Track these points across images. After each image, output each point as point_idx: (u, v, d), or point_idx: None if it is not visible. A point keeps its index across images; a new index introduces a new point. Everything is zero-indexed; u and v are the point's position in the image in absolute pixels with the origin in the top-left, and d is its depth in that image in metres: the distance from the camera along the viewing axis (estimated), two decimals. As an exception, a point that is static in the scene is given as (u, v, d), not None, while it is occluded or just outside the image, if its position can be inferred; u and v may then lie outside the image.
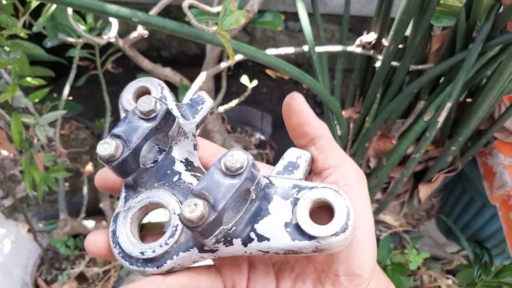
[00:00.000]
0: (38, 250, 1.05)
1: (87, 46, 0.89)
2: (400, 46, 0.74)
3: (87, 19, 0.82)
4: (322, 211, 0.26)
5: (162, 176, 0.29)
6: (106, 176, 0.30)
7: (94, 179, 0.31)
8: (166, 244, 0.26)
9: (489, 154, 0.86)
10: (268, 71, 1.54)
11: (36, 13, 0.67)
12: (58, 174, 0.88)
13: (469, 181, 0.93)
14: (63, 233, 0.98)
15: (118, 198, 0.31)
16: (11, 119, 0.76)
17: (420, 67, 0.75)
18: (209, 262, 0.29)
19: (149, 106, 0.27)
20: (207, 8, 0.53)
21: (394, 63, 0.75)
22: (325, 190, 0.25)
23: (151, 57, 1.44)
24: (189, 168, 0.29)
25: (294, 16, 0.80)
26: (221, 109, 0.85)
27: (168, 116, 0.28)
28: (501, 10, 0.63)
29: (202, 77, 0.77)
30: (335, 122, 0.81)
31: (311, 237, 0.24)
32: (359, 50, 0.79)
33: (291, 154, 0.29)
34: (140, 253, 0.26)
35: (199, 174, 0.29)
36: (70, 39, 0.79)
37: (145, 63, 0.86)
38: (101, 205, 1.04)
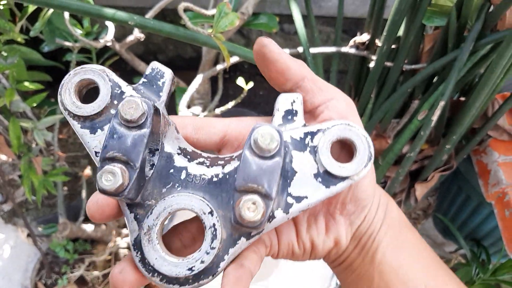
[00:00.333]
0: (38, 254, 1.05)
1: (84, 50, 0.90)
2: (393, 46, 0.75)
3: (83, 23, 0.83)
4: (334, 147, 0.27)
5: (167, 178, 0.25)
6: (102, 204, 0.27)
7: (88, 214, 0.27)
8: (213, 248, 0.24)
9: (483, 152, 0.87)
10: (264, 74, 1.55)
11: (33, 18, 0.67)
12: (56, 178, 0.88)
13: (464, 179, 0.94)
14: (62, 237, 0.98)
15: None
16: (9, 124, 0.77)
17: (413, 66, 0.76)
18: None
19: (136, 111, 0.23)
20: (202, 11, 0.54)
21: (387, 63, 0.76)
22: (338, 128, 0.25)
23: (148, 61, 1.44)
24: (188, 157, 0.26)
25: (289, 18, 0.81)
26: (218, 111, 0.85)
27: (157, 113, 0.24)
28: (491, 9, 0.64)
29: (198, 79, 0.78)
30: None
31: (343, 178, 0.24)
32: (353, 51, 0.80)
33: (284, 101, 0.27)
34: (188, 270, 0.23)
35: (202, 159, 0.26)
36: (67, 43, 0.80)
37: (142, 66, 0.87)
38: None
